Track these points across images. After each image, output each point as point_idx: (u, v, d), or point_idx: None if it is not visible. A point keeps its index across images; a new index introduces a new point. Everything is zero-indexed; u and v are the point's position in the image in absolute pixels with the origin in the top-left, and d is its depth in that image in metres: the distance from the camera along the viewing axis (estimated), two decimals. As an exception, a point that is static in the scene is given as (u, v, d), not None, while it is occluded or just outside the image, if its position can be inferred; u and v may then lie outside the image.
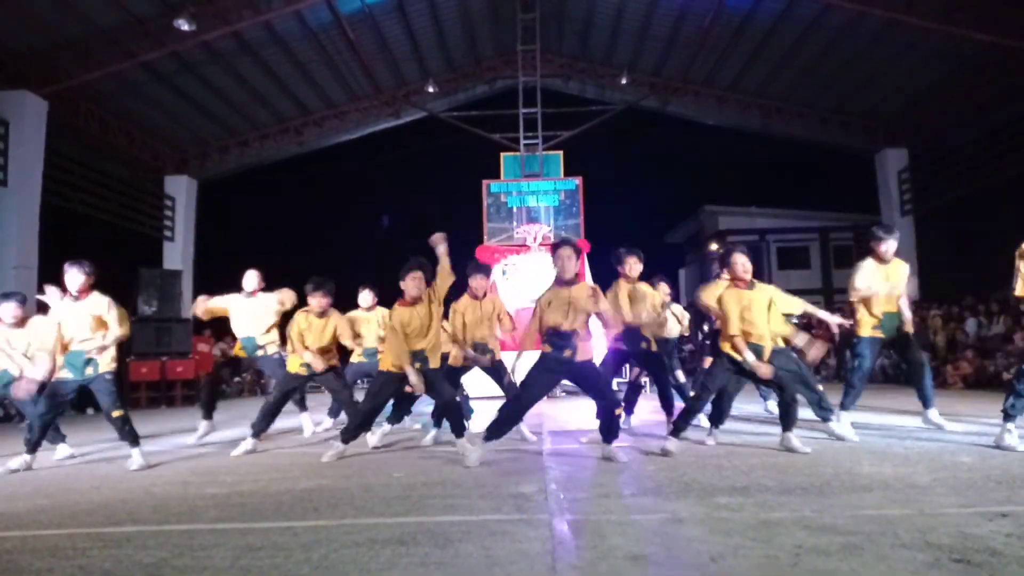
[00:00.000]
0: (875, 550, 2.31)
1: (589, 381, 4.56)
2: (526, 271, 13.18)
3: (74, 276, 4.87)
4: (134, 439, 4.90)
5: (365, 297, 6.91)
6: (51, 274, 5.43)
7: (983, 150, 14.99)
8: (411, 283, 4.72)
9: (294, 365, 5.65)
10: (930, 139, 16.69)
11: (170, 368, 12.34)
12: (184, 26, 12.01)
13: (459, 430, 4.76)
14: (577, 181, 14.38)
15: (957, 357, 11.27)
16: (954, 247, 16.26)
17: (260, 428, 5.53)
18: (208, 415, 6.27)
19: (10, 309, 5.32)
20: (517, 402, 4.64)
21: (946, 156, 16.21)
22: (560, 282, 4.55)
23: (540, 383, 4.61)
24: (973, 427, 5.46)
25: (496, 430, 4.57)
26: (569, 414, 8.15)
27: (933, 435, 5.10)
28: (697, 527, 2.69)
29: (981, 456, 4.11)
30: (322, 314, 5.63)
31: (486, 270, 5.83)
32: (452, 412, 4.85)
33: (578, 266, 4.58)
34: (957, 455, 4.18)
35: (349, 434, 4.93)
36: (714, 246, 26.04)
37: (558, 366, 4.48)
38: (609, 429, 4.51)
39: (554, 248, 4.65)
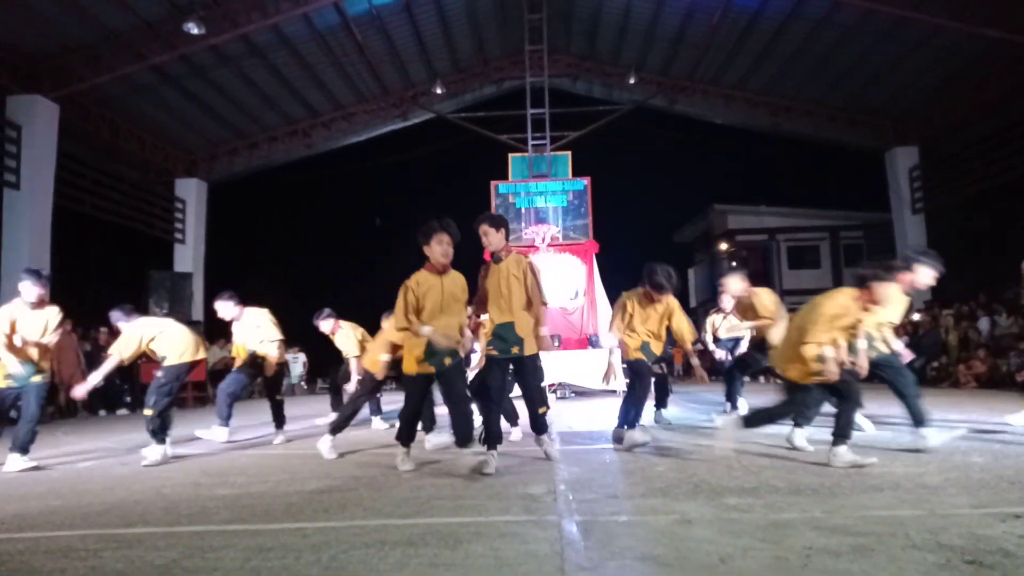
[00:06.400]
0: (886, 551, 2.29)
1: (525, 373, 4.39)
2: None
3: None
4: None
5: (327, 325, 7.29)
6: (61, 276, 5.46)
7: (994, 147, 14.87)
8: (436, 248, 4.02)
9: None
10: (941, 136, 16.57)
11: (181, 369, 12.38)
12: (193, 29, 12.12)
13: (427, 428, 5.18)
14: (585, 181, 14.35)
15: (970, 356, 11.18)
16: (966, 245, 16.13)
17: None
18: (279, 425, 6.41)
19: (31, 288, 4.96)
20: (487, 405, 4.36)
21: (957, 153, 16.09)
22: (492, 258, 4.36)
23: (494, 377, 4.39)
24: (986, 427, 5.42)
25: (491, 438, 4.24)
26: (577, 415, 8.14)
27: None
28: (706, 528, 2.68)
29: (994, 456, 4.07)
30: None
31: None
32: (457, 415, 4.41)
33: (501, 241, 4.32)
34: (969, 455, 4.15)
35: (404, 440, 4.43)
36: (723, 245, 25.93)
37: (503, 356, 4.32)
38: (535, 424, 4.50)
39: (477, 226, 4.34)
